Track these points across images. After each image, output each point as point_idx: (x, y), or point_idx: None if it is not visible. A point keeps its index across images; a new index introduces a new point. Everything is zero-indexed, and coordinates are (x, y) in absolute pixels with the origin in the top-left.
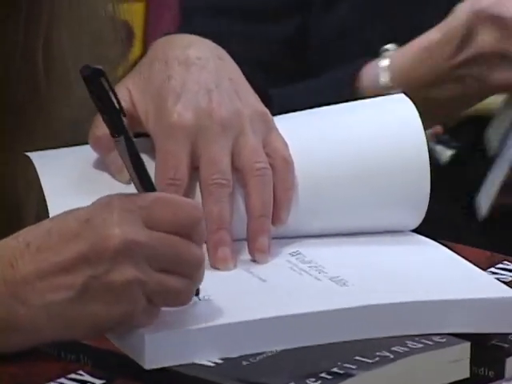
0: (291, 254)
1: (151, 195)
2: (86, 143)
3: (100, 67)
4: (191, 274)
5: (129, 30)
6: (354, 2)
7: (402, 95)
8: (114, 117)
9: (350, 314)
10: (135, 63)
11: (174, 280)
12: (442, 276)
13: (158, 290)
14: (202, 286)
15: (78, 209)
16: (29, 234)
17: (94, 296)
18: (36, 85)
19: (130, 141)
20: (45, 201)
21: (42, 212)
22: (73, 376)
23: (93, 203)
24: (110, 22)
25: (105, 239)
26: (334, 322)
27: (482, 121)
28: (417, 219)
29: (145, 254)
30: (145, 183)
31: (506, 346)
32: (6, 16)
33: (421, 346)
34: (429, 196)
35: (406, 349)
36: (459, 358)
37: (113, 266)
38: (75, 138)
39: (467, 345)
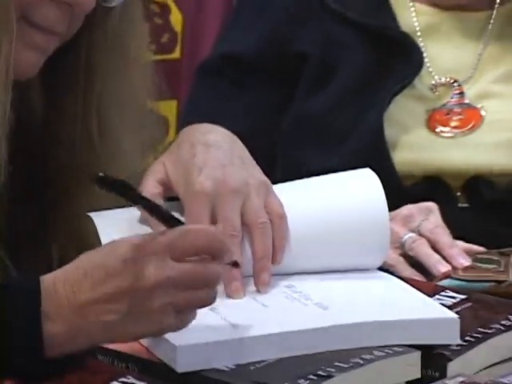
0: (286, 286)
1: (172, 232)
2: None
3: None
4: (210, 285)
5: (165, 122)
6: (330, 95)
7: (368, 169)
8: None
9: (330, 331)
10: (169, 145)
11: (196, 293)
12: (398, 301)
13: (185, 305)
14: (220, 311)
15: (118, 245)
16: (84, 265)
17: (135, 318)
18: (92, 147)
19: (148, 203)
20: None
21: None
22: (123, 380)
23: (128, 242)
24: (148, 110)
25: (140, 279)
26: (318, 337)
27: None
28: (379, 261)
29: (173, 283)
30: (169, 222)
31: (448, 353)
32: (68, 90)
33: (384, 354)
34: (388, 246)
35: (372, 356)
36: (413, 363)
37: (148, 296)
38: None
39: (418, 353)
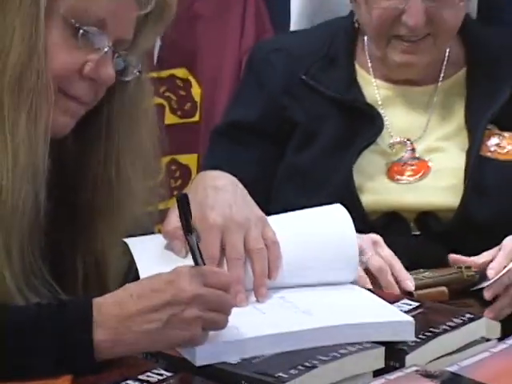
0: (279, 297)
1: (204, 268)
2: (144, 234)
3: (186, 193)
4: (226, 311)
5: (188, 170)
6: (312, 152)
7: (339, 205)
8: (189, 223)
9: (314, 332)
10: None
11: (218, 316)
12: (367, 308)
13: (209, 323)
14: (231, 318)
15: (161, 274)
16: (131, 289)
17: (172, 327)
18: (110, 186)
19: (196, 237)
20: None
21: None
22: (154, 371)
23: (172, 271)
24: (154, 156)
25: (179, 293)
26: (305, 336)
27: None
28: (352, 277)
29: (203, 301)
30: (199, 261)
31: (406, 348)
32: (94, 142)
33: (356, 349)
34: (357, 266)
35: (347, 351)
36: (378, 356)
37: (186, 308)
38: (134, 231)
39: (382, 348)
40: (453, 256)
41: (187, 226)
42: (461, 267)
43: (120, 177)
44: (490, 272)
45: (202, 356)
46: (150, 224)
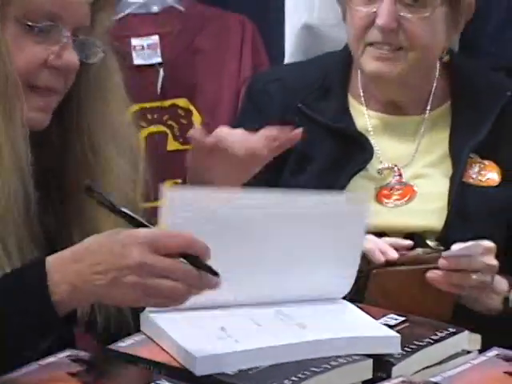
0: (275, 310)
1: (159, 233)
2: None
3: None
4: (186, 281)
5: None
6: (307, 176)
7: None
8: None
9: (307, 345)
10: None
11: (164, 282)
12: (355, 323)
13: (153, 290)
14: (227, 329)
15: (121, 232)
16: (90, 240)
17: (116, 288)
18: (91, 169)
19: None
20: None
21: None
22: (158, 382)
23: (130, 232)
24: (129, 132)
25: (125, 259)
26: (298, 349)
27: None
28: (346, 290)
29: (148, 269)
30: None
31: (392, 360)
32: (70, 125)
33: (346, 361)
34: (352, 282)
35: (337, 362)
36: (366, 368)
37: (127, 274)
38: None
39: (371, 360)
40: None
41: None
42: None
43: (97, 156)
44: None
45: (201, 367)
46: (139, 199)
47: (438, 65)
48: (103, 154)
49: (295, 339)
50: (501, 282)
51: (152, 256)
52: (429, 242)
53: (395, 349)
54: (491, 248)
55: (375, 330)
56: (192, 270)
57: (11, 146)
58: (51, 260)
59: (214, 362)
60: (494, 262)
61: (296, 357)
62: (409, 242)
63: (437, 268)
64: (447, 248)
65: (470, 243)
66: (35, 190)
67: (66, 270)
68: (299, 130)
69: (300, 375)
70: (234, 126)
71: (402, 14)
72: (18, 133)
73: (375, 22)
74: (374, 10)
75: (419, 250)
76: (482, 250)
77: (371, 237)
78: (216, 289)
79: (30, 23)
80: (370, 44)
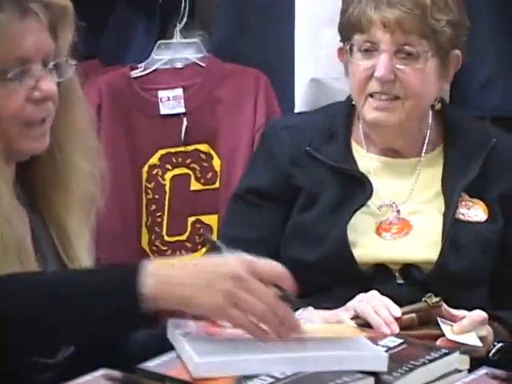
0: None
1: (258, 261)
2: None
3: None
4: (264, 301)
5: (210, 228)
6: (314, 213)
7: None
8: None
9: (301, 359)
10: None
11: (252, 299)
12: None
13: (241, 301)
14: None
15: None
16: (184, 260)
17: (208, 288)
18: (57, 168)
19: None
20: None
21: None
22: None
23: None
24: (91, 137)
25: (223, 266)
26: (292, 362)
27: None
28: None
29: (241, 283)
30: None
31: (391, 378)
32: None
33: (350, 379)
34: None
35: (342, 381)
36: None
37: (221, 280)
38: (90, 206)
39: (372, 378)
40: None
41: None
42: (425, 298)
43: (64, 157)
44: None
45: (199, 369)
46: (98, 193)
47: (430, 112)
48: (69, 155)
49: (290, 353)
50: (489, 335)
51: (248, 274)
52: (424, 298)
53: (383, 367)
54: (484, 319)
55: (367, 349)
56: (284, 305)
57: None
58: (149, 262)
59: (212, 366)
60: (486, 332)
61: (289, 369)
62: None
63: (431, 336)
64: (441, 278)
65: (466, 320)
66: (13, 185)
67: (162, 269)
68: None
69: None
70: (249, 168)
71: (397, 66)
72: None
73: (374, 74)
74: (373, 63)
75: (413, 315)
76: (476, 324)
77: (365, 297)
78: (294, 333)
79: (2, 75)
80: (371, 95)
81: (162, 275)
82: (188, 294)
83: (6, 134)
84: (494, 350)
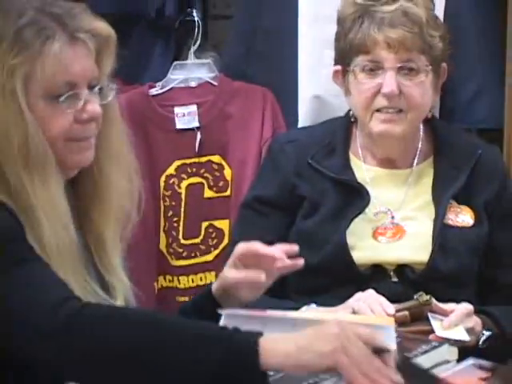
0: None
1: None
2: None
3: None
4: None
5: (222, 232)
6: (316, 220)
7: None
8: None
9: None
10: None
11: (358, 350)
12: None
13: (349, 348)
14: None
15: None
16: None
17: (318, 338)
18: (95, 181)
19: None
20: None
21: None
22: None
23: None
24: (130, 159)
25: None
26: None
27: None
28: None
29: (346, 333)
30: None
31: None
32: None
33: None
34: None
35: None
36: None
37: (331, 328)
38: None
39: None
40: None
41: None
42: (417, 296)
43: (102, 173)
44: (444, 324)
45: (227, 314)
46: (135, 209)
47: (421, 126)
48: (106, 169)
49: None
50: (477, 324)
51: (350, 331)
52: (416, 296)
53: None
54: (470, 311)
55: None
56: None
57: (51, 204)
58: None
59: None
60: (473, 323)
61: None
62: (391, 309)
63: (423, 331)
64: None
65: (454, 315)
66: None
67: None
68: (301, 261)
69: (310, 381)
70: (256, 178)
71: (402, 81)
72: (55, 192)
73: (381, 91)
74: (380, 81)
75: (406, 312)
76: (463, 317)
77: (362, 296)
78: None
79: (55, 98)
80: (377, 110)
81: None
82: (301, 343)
83: (55, 149)
84: (483, 338)
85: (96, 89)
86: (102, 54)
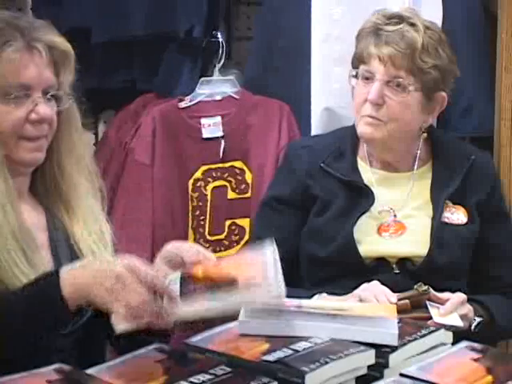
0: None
1: (142, 267)
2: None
3: None
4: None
5: (243, 229)
6: (327, 217)
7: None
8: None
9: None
10: None
11: (128, 294)
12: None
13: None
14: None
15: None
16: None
17: (101, 286)
18: (59, 182)
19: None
20: None
21: None
22: (219, 367)
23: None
24: (88, 157)
25: (114, 267)
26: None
27: None
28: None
29: (123, 280)
30: None
31: (389, 350)
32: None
33: (355, 350)
34: None
35: (349, 352)
36: (370, 356)
37: (114, 281)
38: (93, 217)
39: (373, 350)
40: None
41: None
42: (416, 287)
43: (63, 173)
44: (441, 312)
45: (243, 328)
46: (100, 205)
47: (421, 135)
48: (66, 169)
49: (325, 323)
50: (469, 311)
51: (128, 273)
52: (415, 287)
53: (394, 341)
54: (463, 300)
55: (384, 327)
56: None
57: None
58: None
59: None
60: (466, 310)
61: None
62: (394, 298)
63: (422, 318)
64: (430, 275)
65: (449, 303)
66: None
67: (72, 272)
68: None
69: (321, 361)
70: (274, 180)
71: (386, 93)
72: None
73: (367, 98)
74: (369, 89)
75: (407, 301)
76: (458, 305)
77: (368, 286)
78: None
79: (6, 96)
80: (363, 115)
81: (73, 278)
82: (87, 292)
83: (6, 145)
84: (474, 324)
85: (49, 95)
86: (59, 67)
